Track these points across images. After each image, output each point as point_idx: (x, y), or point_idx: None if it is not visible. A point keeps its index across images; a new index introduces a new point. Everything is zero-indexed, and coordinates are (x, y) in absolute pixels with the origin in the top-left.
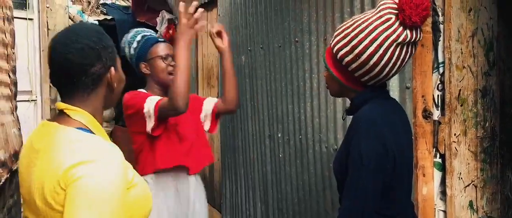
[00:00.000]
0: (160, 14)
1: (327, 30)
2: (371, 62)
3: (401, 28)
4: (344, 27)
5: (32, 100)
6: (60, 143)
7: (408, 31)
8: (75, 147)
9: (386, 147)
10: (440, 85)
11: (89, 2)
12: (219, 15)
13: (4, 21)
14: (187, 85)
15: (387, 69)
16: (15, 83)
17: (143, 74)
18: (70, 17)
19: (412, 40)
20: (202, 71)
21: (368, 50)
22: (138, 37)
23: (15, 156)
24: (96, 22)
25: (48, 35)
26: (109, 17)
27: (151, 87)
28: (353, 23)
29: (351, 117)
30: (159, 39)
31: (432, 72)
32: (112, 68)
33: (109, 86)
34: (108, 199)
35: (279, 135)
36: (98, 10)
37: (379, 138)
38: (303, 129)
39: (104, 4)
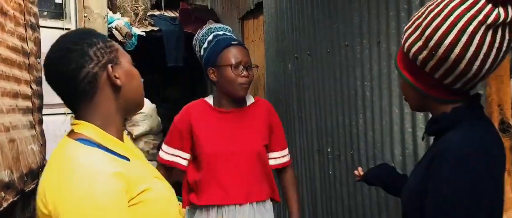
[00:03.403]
0: (207, 24)
1: (380, 31)
2: (453, 56)
3: (489, 6)
4: (415, 17)
5: (68, 113)
6: (52, 157)
7: (501, 9)
8: (61, 164)
9: (477, 192)
10: None
11: (137, 14)
12: (265, 21)
13: (25, 28)
14: None
15: (477, 63)
16: (40, 96)
17: (211, 81)
18: (117, 29)
19: (508, 20)
20: None
21: (447, 40)
22: (210, 37)
23: (31, 174)
24: (143, 33)
25: None
26: (156, 28)
27: (219, 96)
28: (425, 10)
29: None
30: (233, 42)
31: (510, 77)
32: (109, 65)
33: (113, 86)
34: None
35: (329, 150)
36: (146, 22)
37: (472, 182)
38: (355, 143)
39: (151, 16)
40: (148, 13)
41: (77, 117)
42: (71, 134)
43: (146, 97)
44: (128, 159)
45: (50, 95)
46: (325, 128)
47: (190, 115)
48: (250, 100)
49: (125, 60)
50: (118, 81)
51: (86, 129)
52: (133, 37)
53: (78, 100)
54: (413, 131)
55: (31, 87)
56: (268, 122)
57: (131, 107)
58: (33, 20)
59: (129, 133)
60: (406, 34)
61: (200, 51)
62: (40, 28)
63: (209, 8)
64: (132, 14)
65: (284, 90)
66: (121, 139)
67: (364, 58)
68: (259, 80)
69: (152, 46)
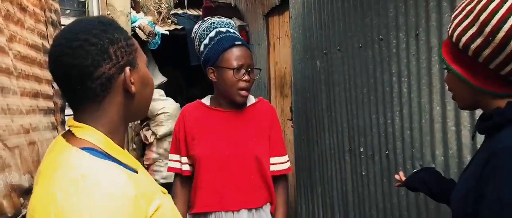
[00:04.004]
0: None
1: (419, 23)
2: None
3: None
4: (465, 3)
5: None
6: (53, 168)
7: None
8: (72, 181)
9: None
10: None
11: (160, 13)
12: (291, 17)
13: (46, 25)
14: None
15: None
16: (62, 95)
17: (210, 80)
18: (140, 28)
19: None
20: (274, 80)
21: (507, 24)
22: (212, 33)
23: None
24: (167, 32)
25: None
26: (179, 27)
27: (217, 97)
28: None
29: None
30: (236, 42)
31: None
32: (127, 69)
33: (126, 92)
34: None
35: (361, 150)
36: (169, 21)
37: None
38: (391, 143)
39: (175, 14)
40: (171, 12)
41: (78, 118)
42: (71, 138)
43: (170, 97)
44: (136, 171)
45: None
46: (357, 127)
47: (184, 118)
48: (251, 100)
49: (143, 63)
50: (133, 88)
51: (92, 135)
52: (156, 36)
53: (83, 100)
54: (457, 129)
55: (52, 87)
56: (268, 125)
57: (137, 116)
58: (54, 17)
59: (153, 133)
60: (455, 22)
61: (200, 47)
62: (63, 26)
63: (232, 5)
64: (156, 13)
65: (312, 89)
66: (123, 146)
67: (401, 52)
68: (285, 79)
69: (176, 45)
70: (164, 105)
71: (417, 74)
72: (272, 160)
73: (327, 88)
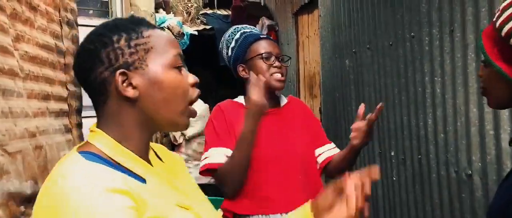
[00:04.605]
0: (260, 21)
1: (454, 19)
2: None
3: None
4: None
5: None
6: (52, 171)
7: None
8: (52, 184)
9: None
10: None
11: (189, 13)
12: (320, 15)
13: (61, 25)
14: (238, 175)
15: None
16: (78, 97)
17: (242, 79)
18: (169, 28)
19: None
20: (303, 79)
21: None
22: (237, 35)
23: None
24: (196, 33)
25: None
26: (208, 27)
27: None
28: None
29: None
30: (262, 35)
31: None
32: (118, 72)
33: (125, 96)
34: None
35: (392, 153)
36: (198, 21)
37: None
38: (424, 147)
39: (204, 14)
40: (201, 12)
41: (97, 123)
42: (82, 144)
43: (199, 98)
44: (143, 181)
45: None
46: (387, 130)
47: (223, 113)
48: (283, 100)
49: (159, 63)
50: (129, 92)
51: (99, 140)
52: (185, 36)
53: (94, 104)
54: (495, 133)
55: (67, 88)
56: (307, 120)
57: (160, 124)
58: (70, 16)
59: (182, 134)
60: (504, 15)
61: (227, 53)
62: (86, 27)
63: (262, 4)
64: (185, 14)
65: (341, 88)
66: (144, 156)
67: (434, 50)
68: (314, 78)
69: (205, 45)
70: (193, 106)
71: (452, 74)
72: (318, 151)
73: (357, 88)
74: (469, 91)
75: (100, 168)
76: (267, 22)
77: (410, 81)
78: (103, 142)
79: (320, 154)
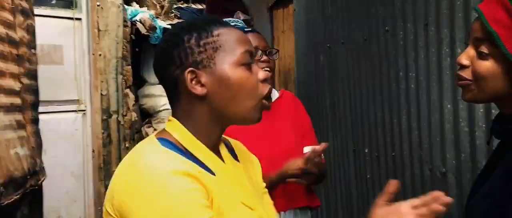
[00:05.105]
0: (235, 15)
1: (428, 13)
2: None
3: None
4: None
5: (80, 110)
6: (129, 154)
7: None
8: (130, 164)
9: None
10: None
11: (163, 6)
12: (295, 10)
13: (14, 14)
14: None
15: None
16: (34, 91)
17: None
18: (140, 21)
19: None
20: (278, 75)
21: None
22: None
23: (13, 184)
24: (169, 27)
25: (99, 37)
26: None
27: None
28: None
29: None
30: (245, 29)
31: None
32: (187, 71)
33: (196, 96)
34: None
35: (366, 150)
36: (172, 15)
37: None
38: (398, 144)
39: (178, 8)
40: (175, 6)
41: (173, 113)
42: (160, 131)
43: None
44: (213, 173)
45: (61, 90)
46: (361, 126)
47: None
48: (275, 95)
49: (226, 61)
50: (197, 90)
51: (175, 129)
52: (158, 30)
53: (169, 99)
54: (470, 130)
55: (20, 82)
56: (297, 116)
57: (230, 119)
58: (25, 4)
59: (155, 130)
60: None
61: None
62: (48, 18)
63: None
64: (158, 7)
65: (315, 85)
66: (215, 151)
67: (408, 45)
68: (289, 74)
69: None
70: (166, 102)
71: (426, 69)
72: (305, 149)
73: (331, 84)
74: (444, 87)
75: (173, 154)
76: (242, 16)
77: (385, 77)
78: (178, 132)
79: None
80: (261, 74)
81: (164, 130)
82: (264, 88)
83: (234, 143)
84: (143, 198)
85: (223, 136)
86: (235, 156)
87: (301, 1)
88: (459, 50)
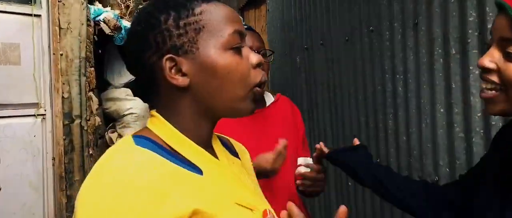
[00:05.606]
0: None
1: (419, 11)
2: None
3: None
4: None
5: (39, 115)
6: (97, 164)
7: None
8: (97, 166)
9: None
10: None
11: (128, 6)
12: (268, 10)
13: None
14: None
15: None
16: None
17: None
18: (105, 21)
19: None
20: None
21: None
22: None
23: None
24: None
25: (60, 35)
26: None
27: None
28: None
29: None
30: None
31: None
32: (165, 58)
33: (178, 88)
34: None
35: None
36: None
37: None
38: (383, 150)
39: (142, 9)
40: (140, 6)
41: (154, 108)
42: (142, 129)
43: (138, 96)
44: (200, 172)
45: (17, 92)
46: (342, 131)
47: None
48: (270, 99)
49: (211, 45)
50: (178, 81)
51: (157, 125)
52: (123, 30)
53: (147, 93)
54: (466, 136)
55: None
56: (294, 124)
57: (218, 112)
58: None
59: (120, 136)
60: None
61: None
62: (4, 14)
63: None
64: (123, 7)
65: (292, 87)
66: (207, 147)
67: (396, 45)
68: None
69: None
70: (131, 106)
71: (416, 71)
72: (299, 161)
73: (308, 87)
74: (436, 90)
75: (150, 155)
76: None
77: (369, 79)
78: (161, 128)
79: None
80: (254, 58)
81: (145, 127)
82: (257, 75)
83: (233, 141)
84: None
85: (219, 134)
86: (234, 153)
87: (275, 1)
88: (453, 50)
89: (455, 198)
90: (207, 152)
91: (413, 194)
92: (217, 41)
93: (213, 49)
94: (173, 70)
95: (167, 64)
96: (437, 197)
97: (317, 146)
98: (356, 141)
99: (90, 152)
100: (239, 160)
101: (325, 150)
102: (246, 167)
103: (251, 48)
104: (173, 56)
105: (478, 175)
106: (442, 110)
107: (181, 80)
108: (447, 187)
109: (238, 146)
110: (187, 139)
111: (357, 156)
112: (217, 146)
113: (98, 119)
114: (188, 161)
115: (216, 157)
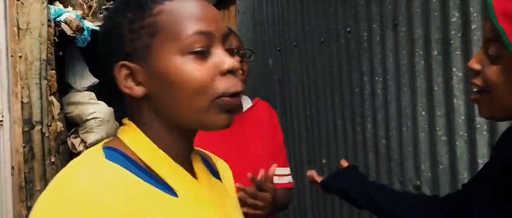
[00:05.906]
0: None
1: (398, 12)
2: None
3: None
4: None
5: None
6: (59, 176)
7: None
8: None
9: None
10: None
11: (91, 7)
12: (238, 11)
13: None
14: None
15: None
16: None
17: None
18: (66, 22)
19: None
20: None
21: None
22: None
23: None
24: (98, 28)
25: (18, 36)
26: None
27: None
28: None
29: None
30: None
31: None
32: (117, 65)
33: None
34: None
35: (324, 161)
36: (101, 15)
37: None
38: (361, 154)
39: (107, 9)
40: (103, 7)
41: (116, 112)
42: (112, 139)
43: (103, 100)
44: (175, 194)
45: None
46: (318, 135)
47: None
48: (248, 103)
49: (166, 50)
50: (133, 90)
51: (129, 136)
52: (85, 31)
53: (109, 94)
54: (449, 140)
55: None
56: (271, 131)
57: (186, 125)
58: None
59: (83, 141)
60: None
61: None
62: None
63: None
64: (85, 7)
65: (264, 90)
66: (184, 163)
67: (374, 46)
68: None
69: None
70: (94, 110)
71: (396, 73)
72: (281, 171)
73: (282, 90)
74: (417, 92)
75: (118, 173)
76: None
77: (345, 81)
78: (134, 139)
79: (276, 175)
80: (226, 63)
81: (116, 137)
82: (224, 83)
83: (215, 158)
84: None
85: (201, 149)
86: (215, 173)
87: (246, 2)
88: (435, 52)
89: (455, 210)
90: (184, 169)
91: (410, 209)
92: (174, 45)
93: (168, 55)
94: (129, 79)
95: (122, 72)
96: (435, 213)
97: (309, 174)
98: (344, 163)
99: (52, 160)
100: (220, 182)
101: (318, 179)
102: (227, 188)
103: (229, 49)
104: (128, 63)
105: (477, 183)
106: (423, 113)
107: (136, 90)
108: (447, 199)
109: (220, 164)
110: (162, 152)
111: (349, 179)
112: (196, 162)
113: (60, 125)
114: (161, 179)
115: (194, 174)
